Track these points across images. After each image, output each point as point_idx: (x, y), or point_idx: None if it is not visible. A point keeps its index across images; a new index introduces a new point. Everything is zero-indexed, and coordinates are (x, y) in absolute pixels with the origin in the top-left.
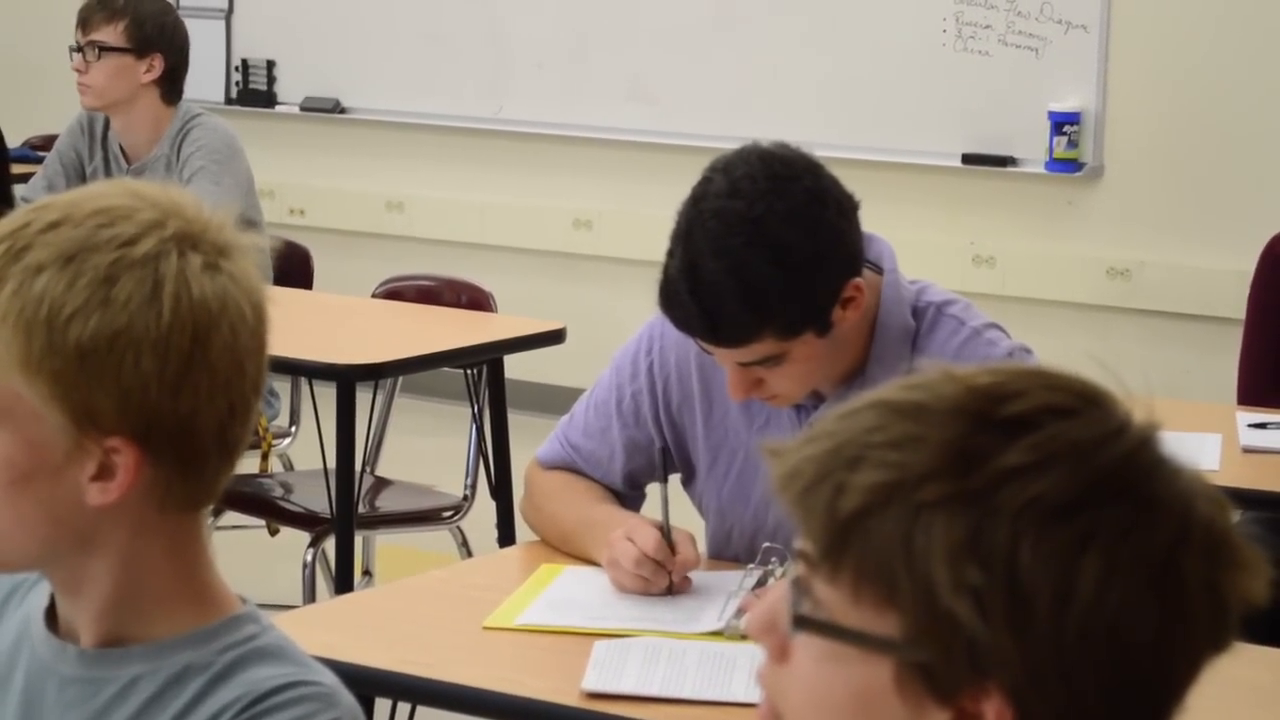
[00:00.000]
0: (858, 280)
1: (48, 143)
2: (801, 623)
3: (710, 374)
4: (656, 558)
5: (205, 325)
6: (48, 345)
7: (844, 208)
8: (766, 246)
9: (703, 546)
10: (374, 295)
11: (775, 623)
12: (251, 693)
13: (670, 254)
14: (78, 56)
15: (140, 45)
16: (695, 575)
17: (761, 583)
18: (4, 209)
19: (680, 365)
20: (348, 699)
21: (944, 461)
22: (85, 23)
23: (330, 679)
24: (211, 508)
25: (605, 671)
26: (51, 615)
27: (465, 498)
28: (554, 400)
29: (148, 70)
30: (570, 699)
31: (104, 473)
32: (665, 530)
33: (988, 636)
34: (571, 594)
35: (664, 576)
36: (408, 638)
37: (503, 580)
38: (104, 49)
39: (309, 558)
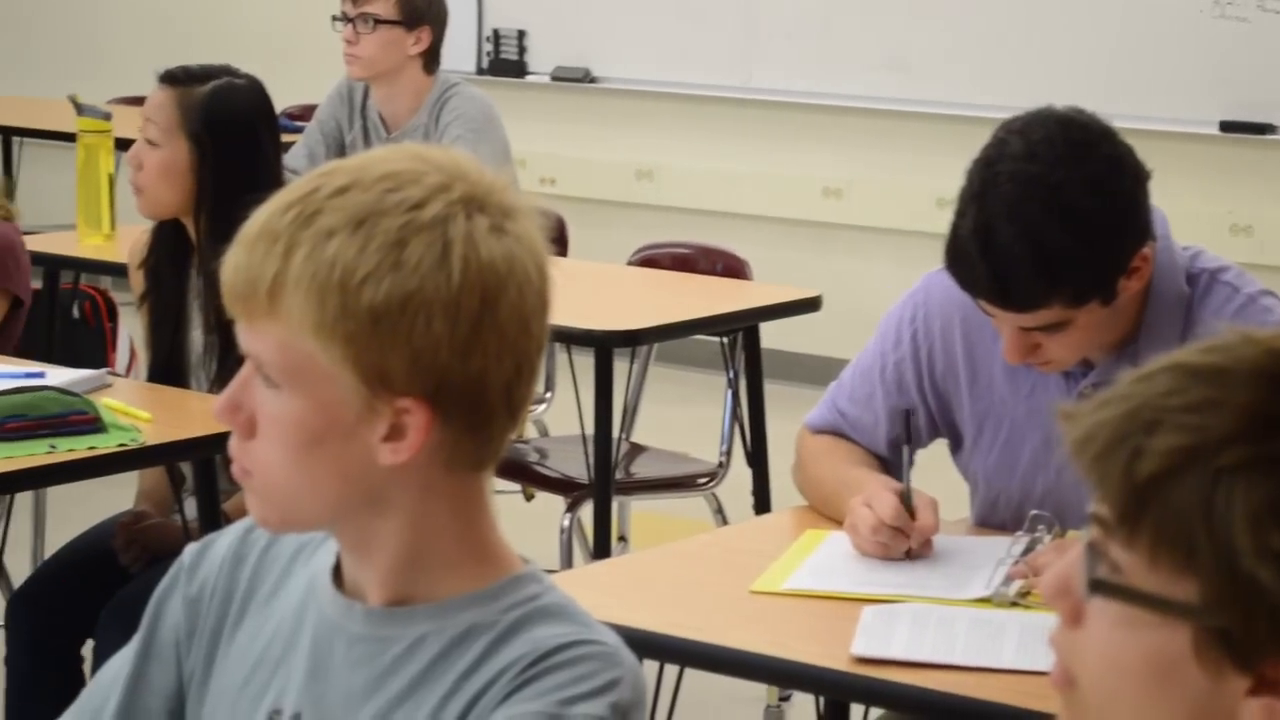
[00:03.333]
0: (1145, 250)
1: (305, 112)
2: (1098, 587)
3: (975, 340)
4: (894, 524)
5: (494, 287)
6: (341, 309)
7: (1139, 176)
8: (1064, 213)
9: (965, 513)
10: (629, 263)
11: (1070, 587)
12: (534, 651)
13: (960, 214)
14: (347, 27)
15: (410, 17)
16: (962, 541)
17: (1029, 550)
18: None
19: (945, 332)
20: (629, 658)
21: (1244, 425)
22: None
23: (612, 638)
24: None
25: (874, 637)
26: (338, 574)
27: (720, 464)
28: (806, 369)
29: (415, 42)
30: (840, 663)
31: (395, 433)
32: (906, 496)
33: None
34: (837, 559)
35: (902, 542)
36: (675, 601)
37: (767, 545)
38: (377, 21)
39: (566, 523)
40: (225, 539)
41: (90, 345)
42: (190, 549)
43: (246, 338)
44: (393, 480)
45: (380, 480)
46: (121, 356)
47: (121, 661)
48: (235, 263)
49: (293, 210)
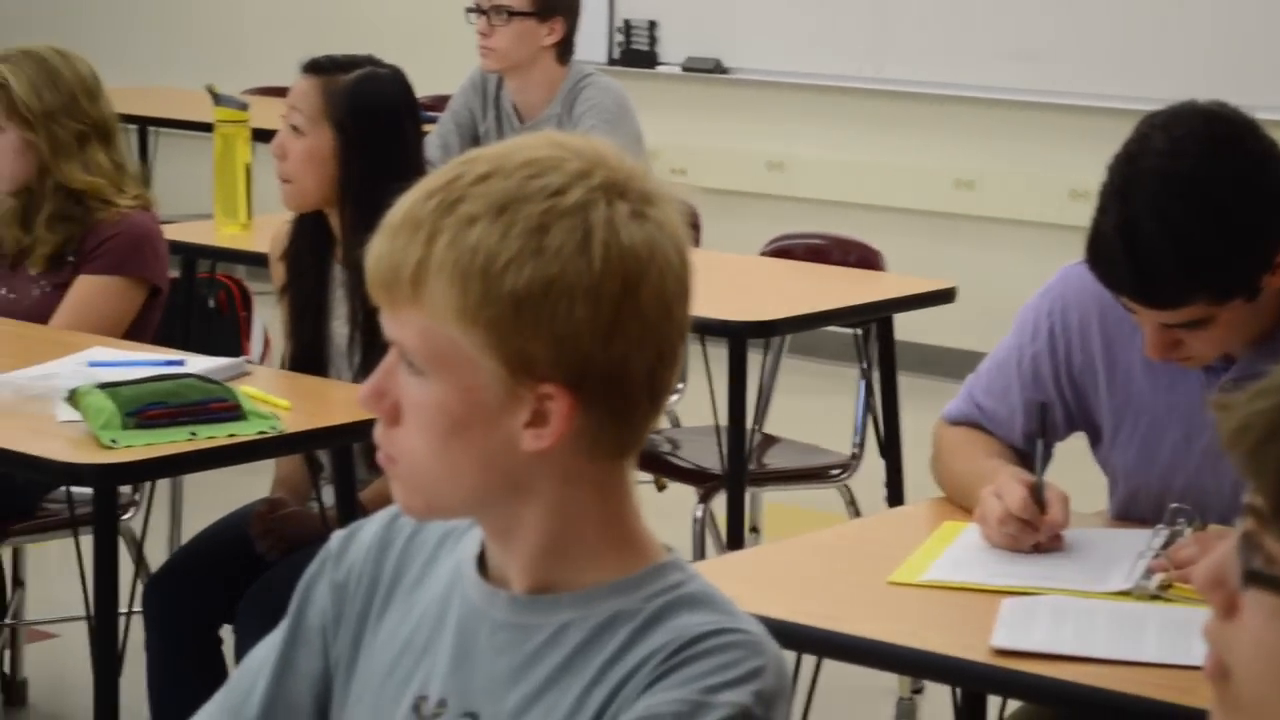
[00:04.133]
0: None
1: (438, 103)
2: (1253, 578)
3: (1113, 335)
4: (1022, 515)
5: (635, 272)
6: (484, 294)
7: None
8: (1209, 211)
9: (1102, 505)
10: (762, 254)
11: (1224, 578)
12: (678, 639)
13: (1102, 210)
14: (481, 19)
15: (543, 9)
16: (1100, 534)
17: (1169, 543)
18: (420, 172)
19: (1083, 327)
20: (773, 647)
21: None
22: None
23: (756, 627)
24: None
25: (1013, 629)
26: (482, 562)
27: (853, 456)
28: (939, 361)
29: (549, 33)
30: (979, 655)
31: (537, 419)
32: (1038, 489)
33: None
34: (975, 551)
35: (1030, 535)
36: (811, 591)
37: (904, 536)
38: (511, 13)
39: (699, 513)
40: (371, 526)
41: (224, 334)
42: (337, 536)
43: (390, 325)
44: (535, 467)
45: (523, 467)
46: (255, 345)
47: (268, 647)
48: (379, 251)
49: (435, 198)
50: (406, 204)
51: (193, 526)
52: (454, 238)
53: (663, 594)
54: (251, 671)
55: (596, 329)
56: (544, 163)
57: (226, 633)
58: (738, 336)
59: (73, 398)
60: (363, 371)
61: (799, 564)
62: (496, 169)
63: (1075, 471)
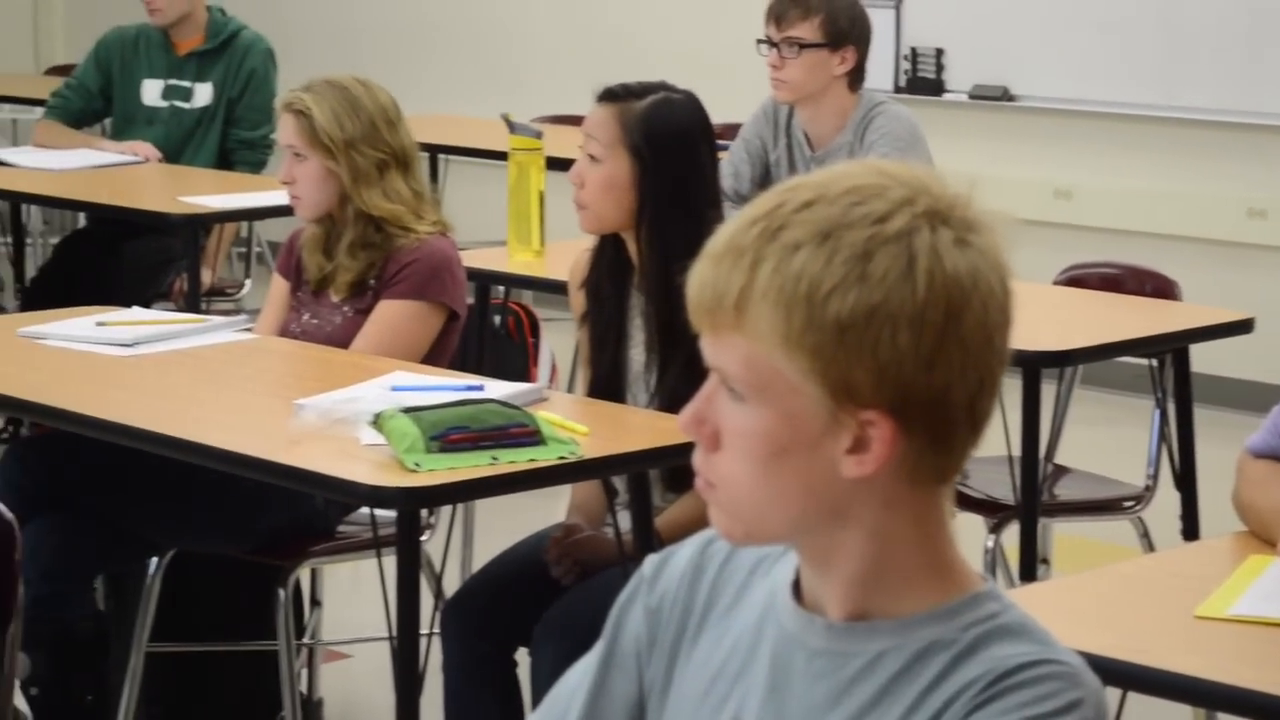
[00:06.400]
0: None
1: (728, 130)
2: None
3: None
4: None
5: (958, 300)
6: (807, 321)
7: None
8: None
9: None
10: (1055, 282)
11: None
12: (995, 670)
13: None
14: (772, 52)
15: (835, 39)
16: None
17: None
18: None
19: None
20: (1092, 680)
21: None
22: (779, 18)
23: (1075, 659)
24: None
25: None
26: (797, 588)
27: (1147, 488)
28: (1234, 392)
29: (841, 63)
30: None
31: (859, 445)
32: None
33: None
34: None
35: None
36: (1113, 624)
37: (1206, 569)
38: (802, 45)
39: (990, 544)
40: (685, 551)
41: (512, 359)
42: (650, 560)
43: (712, 351)
44: (855, 493)
45: (843, 493)
46: (543, 371)
47: (583, 671)
48: (702, 277)
49: (758, 225)
50: (729, 231)
51: (482, 549)
52: (778, 264)
53: (980, 623)
54: (566, 696)
55: (919, 356)
56: (868, 190)
57: (521, 655)
58: (1031, 366)
59: (377, 421)
60: (658, 395)
61: (1100, 596)
62: (820, 196)
63: None
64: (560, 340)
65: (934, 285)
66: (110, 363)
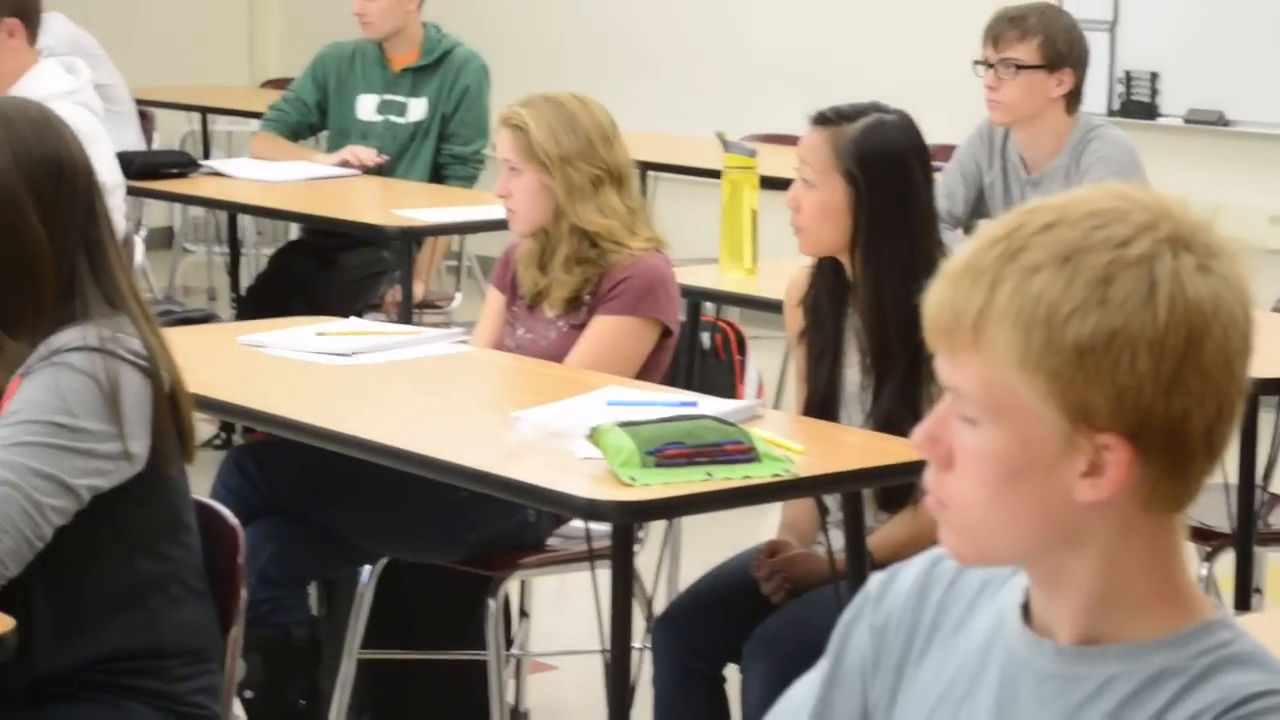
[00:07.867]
0: None
1: (940, 152)
2: None
3: None
4: None
5: (1199, 326)
6: (1046, 343)
7: None
8: None
9: None
10: (1274, 309)
11: None
12: (1227, 699)
13: None
14: (989, 73)
15: (1052, 61)
16: None
17: None
18: (932, 218)
19: None
20: None
21: None
22: (997, 40)
23: None
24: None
25: None
26: (1025, 611)
27: None
28: None
29: (1058, 85)
30: None
31: (1094, 470)
32: None
33: None
34: None
35: None
36: None
37: None
38: (1020, 66)
39: (1204, 571)
40: (911, 570)
41: (718, 376)
42: (876, 578)
43: (947, 371)
44: (1090, 517)
45: (1077, 517)
46: (750, 389)
47: (807, 688)
48: (940, 297)
49: (998, 246)
50: (968, 252)
51: (689, 564)
52: (1017, 286)
53: (1212, 651)
54: (790, 713)
55: (1158, 382)
56: (1109, 213)
57: (730, 671)
58: (1250, 394)
59: (593, 435)
60: (873, 415)
61: None
62: (1060, 219)
63: None
64: (766, 359)
65: (1175, 311)
66: (329, 372)
